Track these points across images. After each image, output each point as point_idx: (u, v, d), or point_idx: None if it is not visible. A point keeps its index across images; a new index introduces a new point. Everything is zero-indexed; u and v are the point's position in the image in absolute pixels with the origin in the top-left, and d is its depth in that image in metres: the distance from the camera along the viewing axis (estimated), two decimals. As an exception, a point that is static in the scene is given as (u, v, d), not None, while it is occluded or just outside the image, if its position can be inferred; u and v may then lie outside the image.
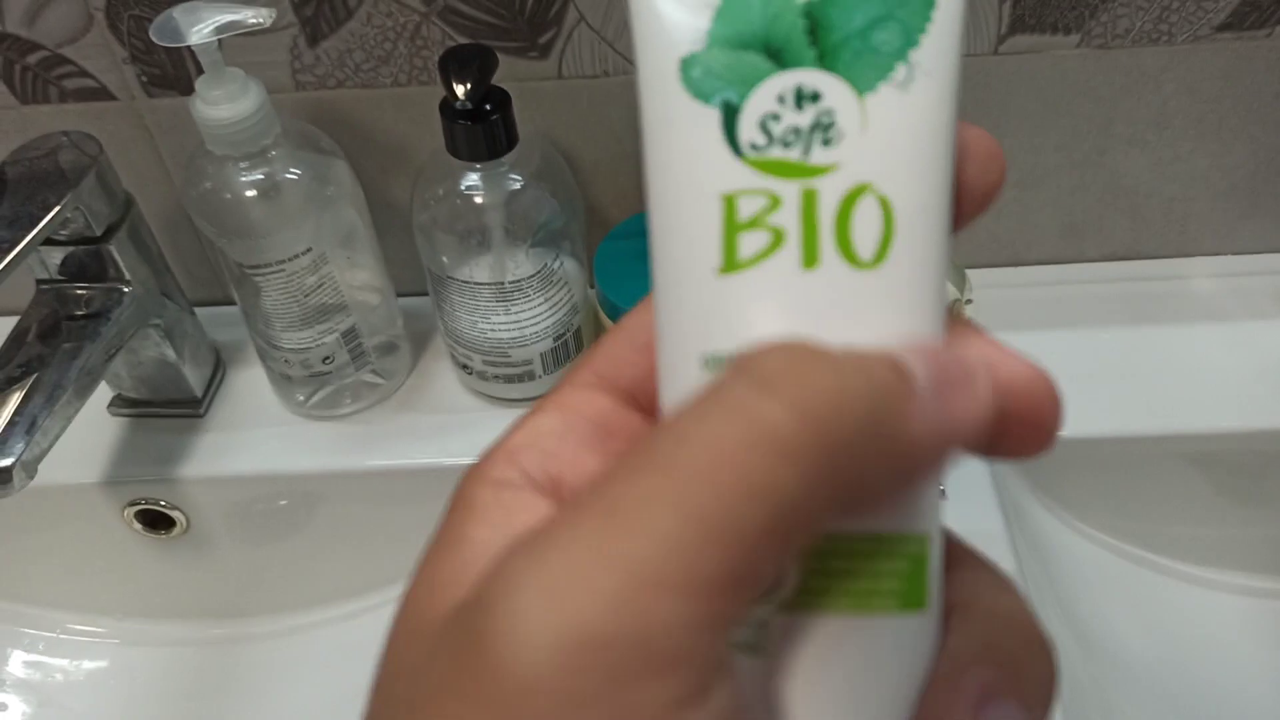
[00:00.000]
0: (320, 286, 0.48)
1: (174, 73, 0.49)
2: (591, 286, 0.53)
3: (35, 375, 0.45)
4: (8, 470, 0.42)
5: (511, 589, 0.14)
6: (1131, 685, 0.50)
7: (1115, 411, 0.51)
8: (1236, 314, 0.55)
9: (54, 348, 0.47)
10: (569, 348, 0.52)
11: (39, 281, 0.49)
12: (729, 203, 0.16)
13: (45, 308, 0.48)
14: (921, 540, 0.16)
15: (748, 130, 0.17)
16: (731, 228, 0.16)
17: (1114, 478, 0.53)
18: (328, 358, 0.51)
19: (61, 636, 0.57)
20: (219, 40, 0.41)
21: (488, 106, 0.44)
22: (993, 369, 0.17)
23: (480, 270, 0.48)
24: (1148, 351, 0.54)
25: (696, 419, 0.14)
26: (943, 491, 0.18)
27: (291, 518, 0.55)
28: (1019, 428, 0.17)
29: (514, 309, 0.49)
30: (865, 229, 0.16)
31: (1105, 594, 0.53)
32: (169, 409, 0.54)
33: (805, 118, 0.17)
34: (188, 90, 0.50)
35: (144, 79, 0.50)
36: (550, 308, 0.50)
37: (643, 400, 0.19)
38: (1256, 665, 0.51)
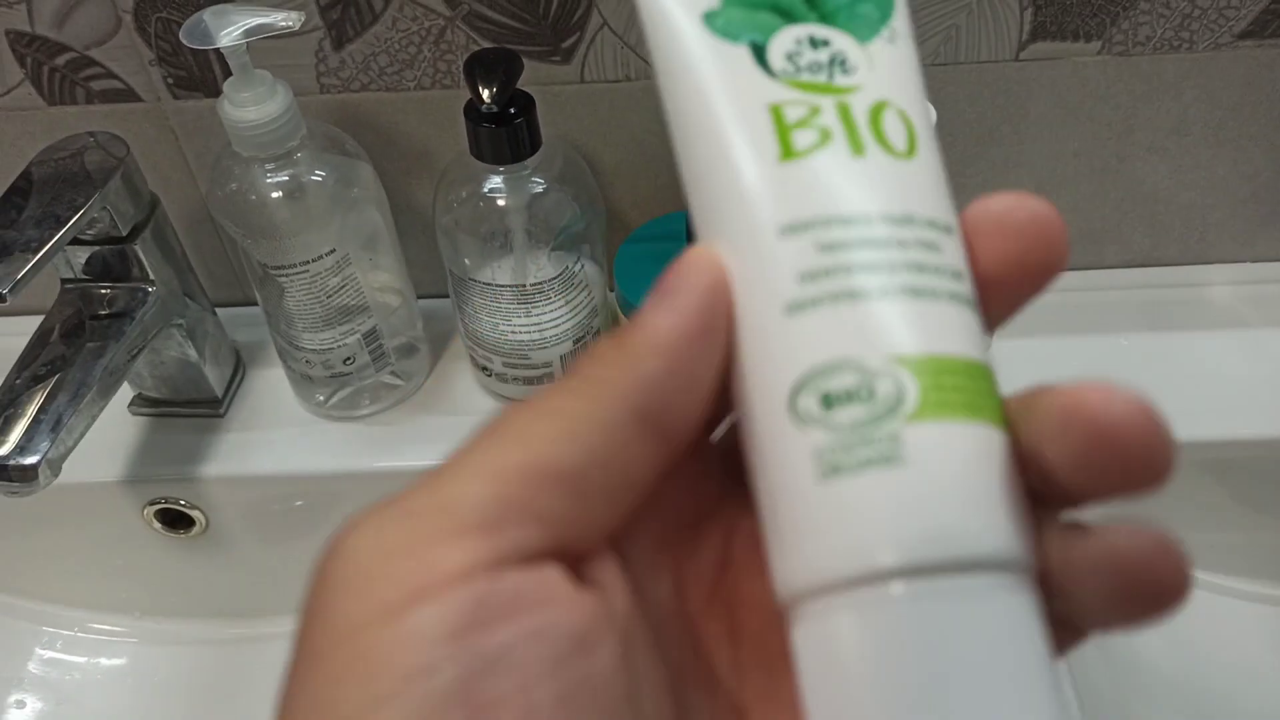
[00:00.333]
0: (343, 288, 0.49)
1: (200, 75, 0.50)
2: (611, 289, 0.53)
3: (60, 374, 0.46)
4: (34, 468, 0.43)
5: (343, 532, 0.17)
6: (1151, 692, 0.50)
7: (1134, 418, 0.51)
8: (1256, 321, 0.55)
9: (78, 347, 0.47)
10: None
11: (64, 281, 0.49)
12: (776, 110, 0.19)
13: (70, 307, 0.48)
14: (991, 371, 0.18)
15: (777, 60, 0.19)
16: (783, 127, 0.19)
17: (1132, 484, 0.53)
18: (349, 358, 0.51)
19: (80, 634, 0.58)
20: (247, 43, 0.41)
21: (512, 110, 0.44)
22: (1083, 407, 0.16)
23: (502, 272, 0.48)
24: (1166, 359, 0.54)
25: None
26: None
27: (310, 518, 0.55)
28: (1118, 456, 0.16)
29: (535, 311, 0.49)
30: (895, 131, 0.19)
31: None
32: (189, 408, 0.55)
33: (822, 54, 0.19)
34: (213, 92, 0.50)
35: (170, 81, 0.50)
36: (571, 310, 0.50)
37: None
38: (1275, 673, 0.51)
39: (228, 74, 0.43)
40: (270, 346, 0.56)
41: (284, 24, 0.40)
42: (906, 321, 0.17)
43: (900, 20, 0.20)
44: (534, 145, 0.45)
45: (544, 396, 0.18)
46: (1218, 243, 0.57)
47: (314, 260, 0.47)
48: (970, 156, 0.53)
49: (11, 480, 0.43)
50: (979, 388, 0.17)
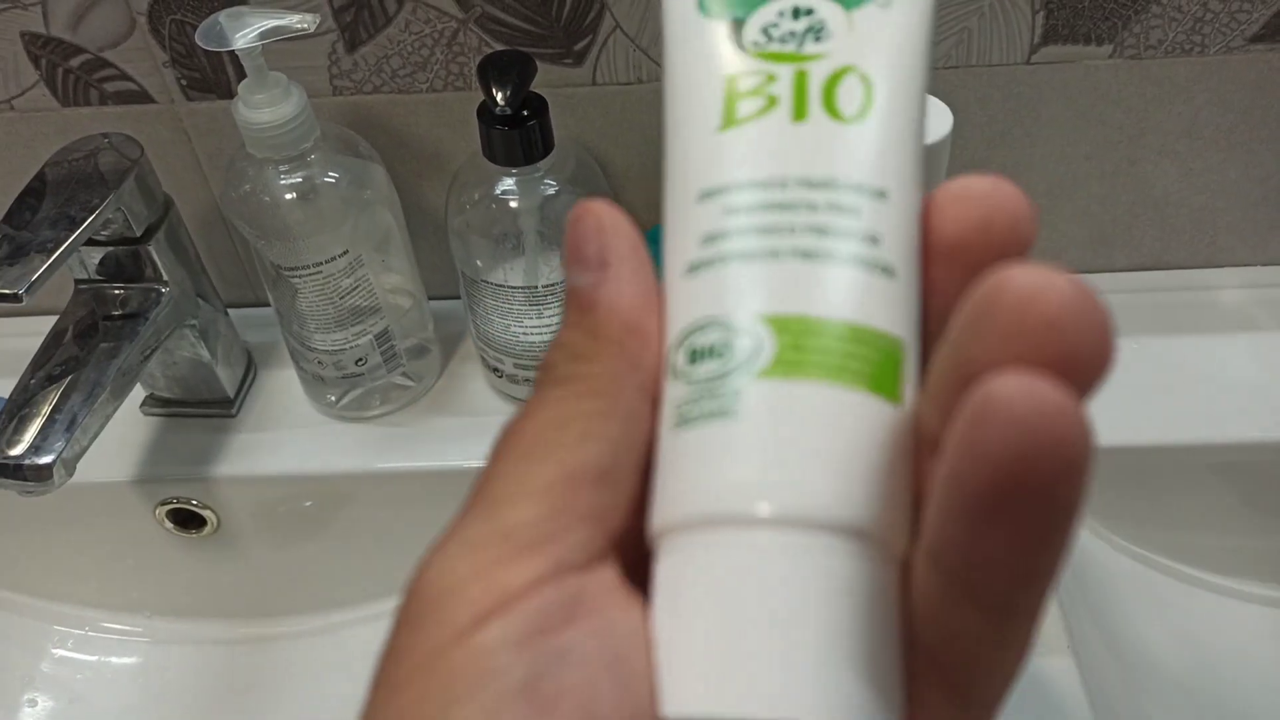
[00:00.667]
0: (355, 289, 0.49)
1: (213, 76, 0.50)
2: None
3: (74, 374, 0.46)
4: (48, 467, 0.43)
5: (425, 563, 0.17)
6: (1162, 694, 0.50)
7: (1143, 422, 0.51)
8: (1267, 324, 0.55)
9: (92, 347, 0.47)
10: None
11: (77, 281, 0.49)
12: (730, 80, 0.19)
13: (83, 307, 0.49)
14: (895, 341, 0.17)
15: (751, 34, 0.20)
16: (731, 97, 0.19)
17: (1142, 488, 0.53)
18: (361, 359, 0.51)
19: (91, 634, 0.58)
20: (261, 45, 0.42)
21: (525, 112, 0.44)
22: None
23: (514, 274, 0.48)
24: (1177, 362, 0.54)
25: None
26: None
27: (321, 518, 0.55)
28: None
29: (546, 313, 0.49)
30: (849, 96, 0.19)
31: (1135, 604, 0.53)
32: (201, 409, 0.55)
33: (800, 24, 0.20)
34: (226, 94, 0.51)
35: (183, 83, 0.50)
36: (582, 312, 0.50)
37: None
38: (1285, 677, 0.51)
39: (241, 76, 0.44)
40: (282, 347, 0.56)
41: (300, 26, 0.41)
42: (786, 283, 0.17)
43: None
44: (546, 147, 0.45)
45: (549, 408, 0.18)
46: (1228, 246, 0.57)
47: (327, 261, 0.47)
48: (981, 159, 0.53)
49: (26, 480, 0.43)
50: (861, 354, 0.17)
